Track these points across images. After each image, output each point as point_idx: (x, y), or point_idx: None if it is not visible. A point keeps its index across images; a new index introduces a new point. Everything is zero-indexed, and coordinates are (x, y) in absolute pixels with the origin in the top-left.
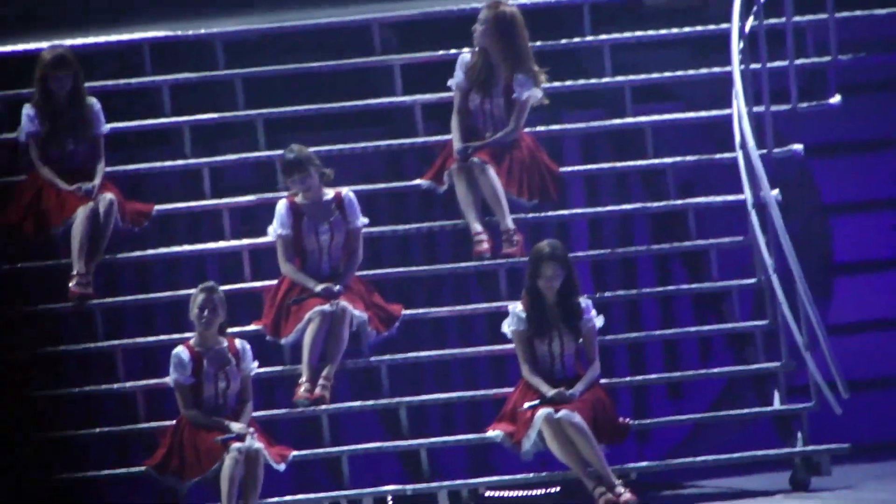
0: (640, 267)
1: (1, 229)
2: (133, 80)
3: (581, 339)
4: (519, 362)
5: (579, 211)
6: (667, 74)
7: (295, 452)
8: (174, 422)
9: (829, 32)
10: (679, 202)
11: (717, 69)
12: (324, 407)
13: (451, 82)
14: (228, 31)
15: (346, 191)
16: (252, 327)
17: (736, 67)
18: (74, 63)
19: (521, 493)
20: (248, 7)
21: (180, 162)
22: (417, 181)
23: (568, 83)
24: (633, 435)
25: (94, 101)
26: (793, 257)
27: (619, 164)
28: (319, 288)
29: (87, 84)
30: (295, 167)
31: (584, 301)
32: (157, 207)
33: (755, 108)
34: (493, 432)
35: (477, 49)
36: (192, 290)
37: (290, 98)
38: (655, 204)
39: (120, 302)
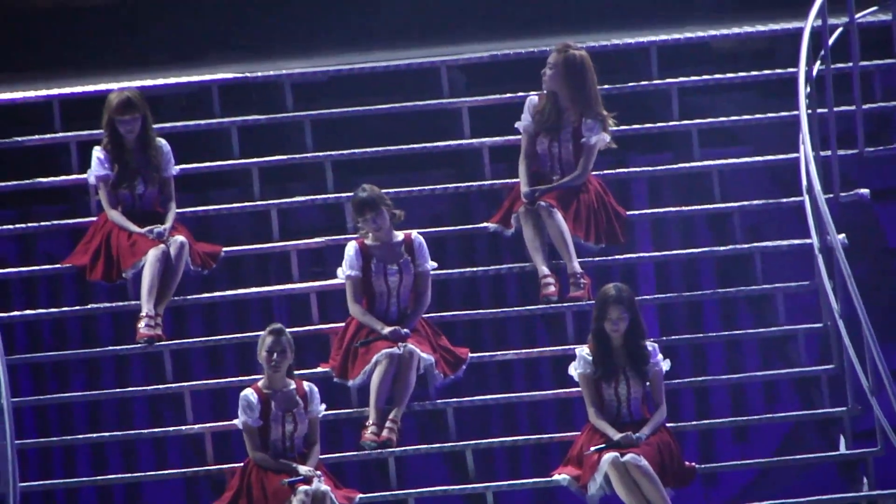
0: (707, 310)
1: (70, 271)
2: (202, 122)
3: (647, 383)
4: (585, 406)
5: (646, 255)
6: (734, 118)
7: (361, 495)
8: (242, 464)
9: None
10: (745, 246)
11: (783, 113)
12: (390, 450)
13: (518, 125)
14: (297, 72)
15: (416, 234)
16: (319, 369)
17: (803, 111)
18: (142, 106)
19: None
20: (316, 49)
21: (249, 204)
22: (485, 224)
23: (635, 126)
24: (699, 479)
25: (163, 143)
26: (859, 301)
27: (685, 208)
28: (387, 331)
29: (156, 125)
30: (368, 206)
31: (651, 345)
32: (226, 249)
33: (822, 153)
34: (560, 476)
35: (545, 92)
36: (260, 332)
37: (358, 140)
38: (722, 248)
39: (188, 344)
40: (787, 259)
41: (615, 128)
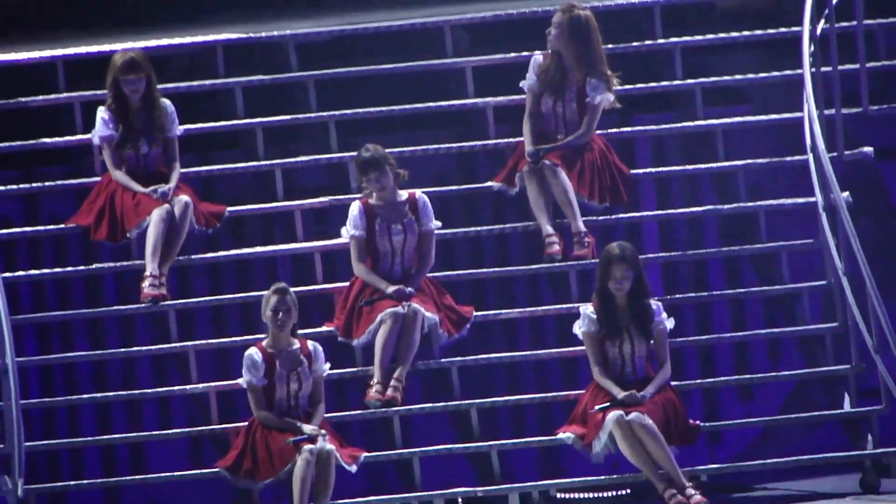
0: (711, 269)
1: (75, 231)
2: (206, 82)
3: (652, 342)
4: (590, 364)
5: (650, 213)
6: (738, 77)
7: (366, 454)
8: (246, 423)
9: None
10: (749, 204)
11: (788, 72)
12: (395, 408)
13: (523, 84)
14: (301, 32)
15: (420, 193)
16: (324, 329)
17: (807, 70)
18: (146, 66)
19: (591, 494)
20: (320, 9)
21: (253, 164)
22: (489, 183)
23: (639, 86)
24: (703, 437)
25: (167, 104)
26: (863, 259)
27: (689, 167)
28: (391, 290)
29: (160, 86)
30: (371, 166)
31: (655, 303)
32: (230, 209)
33: (826, 111)
34: (564, 434)
35: (550, 52)
36: (264, 292)
37: (362, 100)
38: (726, 206)
39: (193, 303)
40: (791, 217)
41: (619, 87)
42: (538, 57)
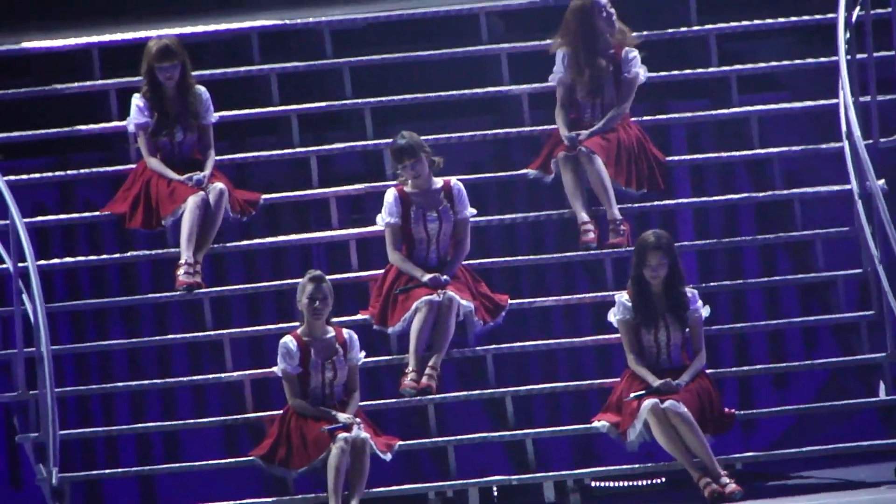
0: (746, 257)
1: (110, 219)
2: (241, 69)
3: (687, 329)
4: (625, 352)
5: (685, 201)
6: (773, 64)
7: (401, 442)
8: (281, 411)
9: None
10: (785, 192)
11: (823, 59)
12: (430, 397)
13: (552, 78)
14: (336, 19)
15: (455, 180)
16: (359, 317)
17: (842, 57)
18: (181, 53)
19: (626, 483)
20: None
21: (288, 151)
22: (525, 170)
23: (674, 73)
24: (738, 425)
25: (202, 90)
26: None
27: (724, 154)
28: (427, 277)
29: (195, 73)
30: (406, 153)
31: (690, 291)
32: (265, 196)
33: (861, 98)
34: (599, 422)
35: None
36: (299, 280)
37: (397, 87)
38: (761, 194)
39: (227, 291)
40: (826, 205)
41: (653, 73)
42: (562, 50)
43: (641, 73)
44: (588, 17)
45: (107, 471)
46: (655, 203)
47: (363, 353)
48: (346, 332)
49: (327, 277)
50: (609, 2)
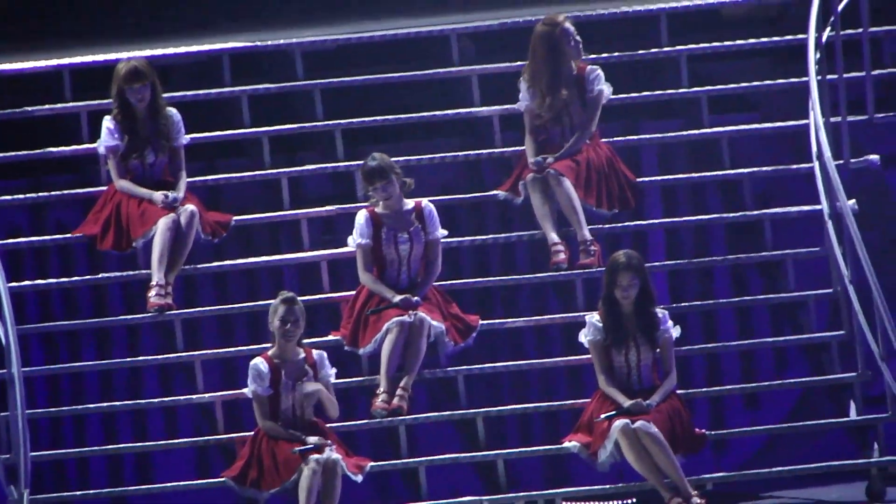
0: (717, 277)
1: (81, 240)
2: (213, 91)
3: (658, 350)
4: (595, 373)
5: (656, 221)
6: (743, 85)
7: (372, 463)
8: (252, 433)
9: None
10: (755, 212)
11: (793, 79)
12: (401, 418)
13: (519, 106)
14: (307, 41)
15: (426, 202)
16: (330, 338)
17: (812, 78)
18: (149, 74)
19: (597, 503)
20: (326, 17)
21: (259, 172)
22: (495, 192)
23: (645, 93)
24: (709, 445)
25: (173, 112)
26: (869, 267)
27: (695, 175)
28: (398, 298)
29: (166, 95)
30: (377, 174)
31: (661, 311)
32: (236, 218)
33: (832, 119)
34: (570, 443)
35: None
36: (271, 301)
37: (368, 108)
38: (732, 214)
39: (199, 313)
40: (797, 225)
41: (624, 94)
42: (525, 80)
43: (605, 89)
44: (556, 44)
45: (78, 492)
46: (626, 223)
47: (334, 370)
48: (315, 352)
49: (299, 299)
50: (576, 30)
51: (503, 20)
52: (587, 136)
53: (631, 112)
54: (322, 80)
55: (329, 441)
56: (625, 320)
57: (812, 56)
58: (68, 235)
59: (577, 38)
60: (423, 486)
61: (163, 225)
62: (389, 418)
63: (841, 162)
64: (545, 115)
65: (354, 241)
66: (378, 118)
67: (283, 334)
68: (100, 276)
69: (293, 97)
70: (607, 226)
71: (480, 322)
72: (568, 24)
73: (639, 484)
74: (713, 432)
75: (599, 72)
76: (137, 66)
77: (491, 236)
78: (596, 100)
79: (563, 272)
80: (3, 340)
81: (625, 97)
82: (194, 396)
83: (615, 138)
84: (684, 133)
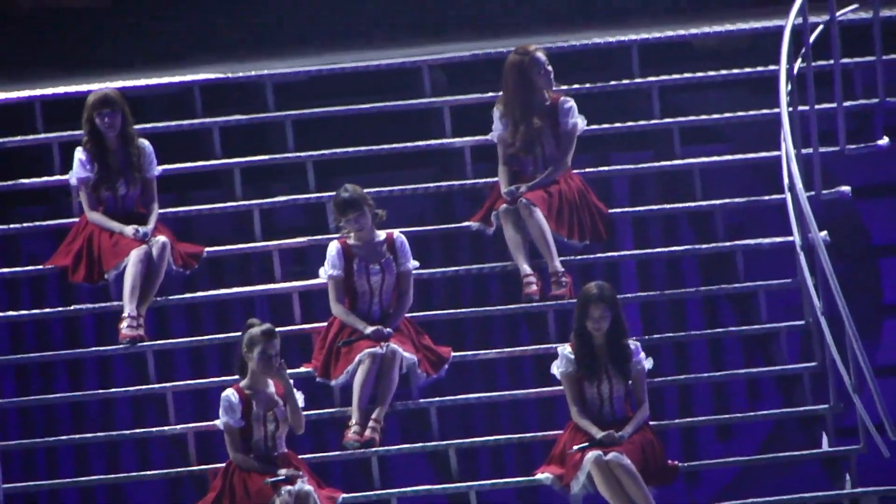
0: (689, 309)
1: (53, 272)
2: (184, 122)
3: (630, 381)
4: (568, 404)
5: (628, 253)
6: (715, 116)
7: (344, 495)
8: (224, 464)
9: (877, 74)
10: (727, 244)
11: (765, 111)
12: (373, 449)
13: (492, 136)
14: (278, 73)
15: (398, 233)
16: (302, 369)
17: (784, 109)
18: (120, 102)
19: None
20: (298, 49)
21: (231, 204)
22: (467, 223)
23: (616, 125)
24: (681, 477)
25: (145, 144)
26: (841, 299)
27: (667, 206)
28: (370, 330)
29: (138, 126)
30: (350, 206)
31: (633, 343)
32: (208, 249)
33: (803, 150)
34: (543, 475)
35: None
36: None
37: (340, 140)
38: (704, 246)
39: (171, 344)
40: (769, 257)
41: (596, 125)
42: (499, 108)
43: (580, 122)
44: (526, 73)
45: None
46: (598, 255)
47: (301, 394)
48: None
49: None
50: (547, 59)
51: (475, 51)
52: (563, 170)
53: (603, 143)
54: (293, 112)
55: (301, 472)
56: (597, 352)
57: (784, 87)
58: (40, 267)
59: (549, 67)
60: None
61: (134, 256)
62: (362, 450)
63: (813, 193)
64: (517, 145)
65: (326, 272)
66: (350, 149)
67: (264, 365)
68: (72, 307)
69: (265, 129)
70: (579, 257)
71: (452, 353)
72: (539, 54)
73: None
74: (685, 464)
75: (573, 104)
76: (108, 94)
77: (463, 267)
78: (570, 133)
79: (535, 304)
80: None
81: (596, 128)
82: (166, 428)
83: (587, 169)
84: (656, 164)
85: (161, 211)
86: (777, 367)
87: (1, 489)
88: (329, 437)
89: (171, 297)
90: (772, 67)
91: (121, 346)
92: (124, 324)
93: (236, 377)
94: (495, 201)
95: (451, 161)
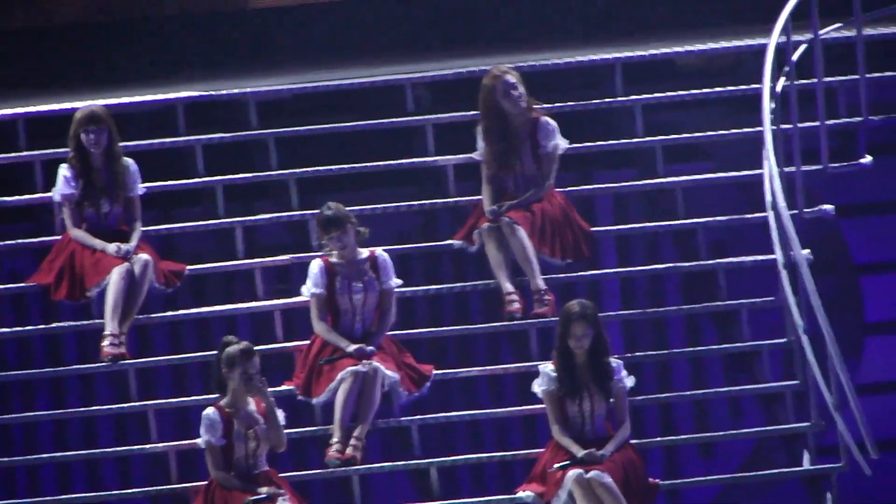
0: (671, 327)
1: (35, 290)
2: (166, 140)
3: (612, 400)
4: (550, 422)
5: (610, 271)
6: (698, 134)
7: None
8: (206, 482)
9: (860, 93)
10: (710, 262)
11: (748, 129)
12: (355, 467)
13: (476, 155)
14: (261, 90)
15: (380, 251)
16: (284, 387)
17: (767, 127)
18: (107, 119)
19: None
20: (281, 67)
21: (213, 221)
22: (449, 241)
23: (599, 143)
24: (663, 495)
25: (130, 162)
26: (823, 317)
27: (650, 224)
28: (352, 348)
29: (121, 144)
30: (333, 224)
31: (615, 361)
32: (190, 267)
33: (786, 168)
34: (524, 493)
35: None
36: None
37: (323, 157)
38: (687, 264)
39: (153, 362)
40: (751, 275)
41: (578, 143)
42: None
43: (561, 143)
44: (493, 96)
45: None
46: (581, 273)
47: (282, 412)
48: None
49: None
50: (518, 80)
51: (458, 70)
52: (545, 191)
53: (585, 161)
54: (276, 129)
55: (283, 491)
56: (579, 370)
57: (767, 106)
58: (22, 284)
59: (519, 89)
60: None
61: (116, 274)
62: (343, 468)
63: (795, 212)
64: (494, 164)
65: (309, 290)
66: (333, 167)
67: (247, 384)
68: (54, 325)
69: (247, 146)
70: (562, 275)
71: (434, 371)
72: (508, 76)
73: None
74: (667, 482)
75: (554, 125)
76: (95, 111)
77: (445, 286)
78: (551, 155)
79: (517, 322)
80: None
81: (579, 146)
82: (148, 446)
83: (569, 188)
84: (639, 182)
85: (143, 228)
86: (759, 386)
87: None
88: (311, 455)
89: (153, 315)
90: (755, 86)
91: (102, 363)
92: (106, 342)
93: (217, 395)
94: (478, 219)
95: (434, 179)
